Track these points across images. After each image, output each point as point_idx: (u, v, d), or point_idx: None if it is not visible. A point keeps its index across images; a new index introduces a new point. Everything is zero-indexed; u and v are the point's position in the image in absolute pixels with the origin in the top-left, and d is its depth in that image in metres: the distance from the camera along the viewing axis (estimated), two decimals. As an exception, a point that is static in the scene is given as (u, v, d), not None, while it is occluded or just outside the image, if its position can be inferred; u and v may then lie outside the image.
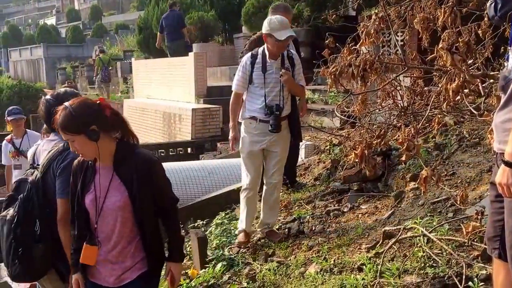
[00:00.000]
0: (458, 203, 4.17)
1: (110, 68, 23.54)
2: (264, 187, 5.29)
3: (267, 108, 4.98)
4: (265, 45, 5.08)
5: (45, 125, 5.47)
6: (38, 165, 3.46)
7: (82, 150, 2.97)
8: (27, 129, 7.46)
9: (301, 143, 6.42)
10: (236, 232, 5.47)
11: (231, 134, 5.18)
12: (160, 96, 16.90)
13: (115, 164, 3.04)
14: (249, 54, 5.14)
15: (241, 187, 5.36)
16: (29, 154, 5.21)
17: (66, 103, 2.94)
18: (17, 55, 43.61)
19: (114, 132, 3.04)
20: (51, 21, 57.04)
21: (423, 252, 3.95)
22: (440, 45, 3.91)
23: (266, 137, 5.05)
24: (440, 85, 4.58)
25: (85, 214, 3.09)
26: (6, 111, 7.46)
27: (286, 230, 5.49)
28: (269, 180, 5.23)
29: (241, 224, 5.32)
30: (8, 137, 7.49)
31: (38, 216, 3.34)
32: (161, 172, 3.15)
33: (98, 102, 2.99)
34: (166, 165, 8.51)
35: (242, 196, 5.26)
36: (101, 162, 3.05)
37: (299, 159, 7.57)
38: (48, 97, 3.58)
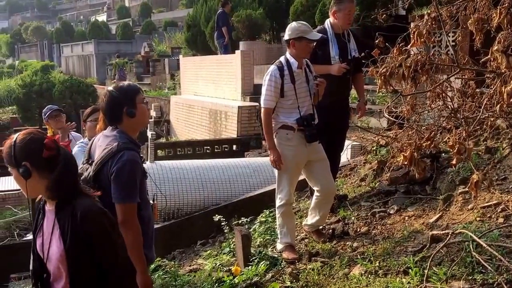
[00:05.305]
0: (510, 208, 4.07)
1: (125, 68, 29.52)
2: (318, 194, 5.10)
3: (303, 120, 4.83)
4: (287, 55, 4.92)
5: (86, 132, 5.47)
6: (93, 161, 3.38)
7: (19, 186, 2.70)
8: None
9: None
10: (279, 249, 5.21)
11: (273, 156, 4.87)
12: (207, 93, 17.04)
13: (57, 209, 2.72)
14: (275, 67, 4.88)
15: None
16: (76, 150, 5.27)
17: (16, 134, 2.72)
18: (69, 50, 44.57)
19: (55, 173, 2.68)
20: (102, 17, 58.08)
21: (472, 258, 3.85)
22: (495, 47, 3.81)
23: (304, 148, 4.91)
24: (493, 88, 4.46)
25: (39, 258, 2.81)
26: (43, 112, 6.45)
27: (330, 230, 5.45)
28: (325, 187, 5.05)
29: (285, 239, 5.12)
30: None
31: None
32: (98, 229, 2.67)
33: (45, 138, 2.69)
34: (212, 161, 8.66)
35: (280, 212, 5.07)
36: (48, 204, 2.78)
37: (345, 160, 7.51)
38: (111, 88, 3.49)
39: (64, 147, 2.91)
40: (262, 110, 4.91)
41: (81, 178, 3.32)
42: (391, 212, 5.49)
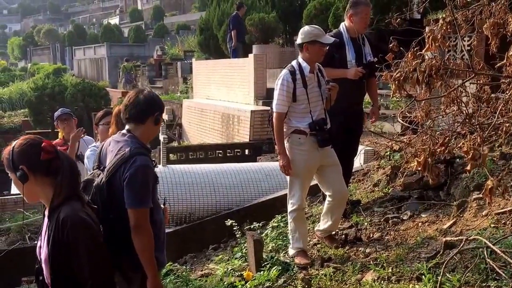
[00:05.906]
0: (525, 215, 4.02)
1: (132, 72, 30.50)
2: (331, 199, 5.06)
3: (315, 124, 4.81)
4: (299, 59, 4.89)
5: (99, 134, 5.43)
6: (105, 167, 3.38)
7: (18, 190, 2.79)
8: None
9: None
10: (291, 254, 5.17)
11: (283, 161, 4.88)
12: (219, 97, 17.04)
13: (49, 214, 2.80)
14: (287, 71, 4.85)
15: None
16: (89, 153, 5.27)
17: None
18: (81, 53, 44.79)
19: (52, 177, 2.77)
20: (114, 20, 58.42)
21: (486, 265, 3.82)
22: (511, 52, 3.77)
23: (316, 152, 4.88)
24: (508, 93, 4.42)
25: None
26: (54, 115, 6.55)
27: (343, 236, 5.42)
28: (338, 192, 5.01)
29: (297, 244, 5.08)
30: (58, 140, 6.45)
31: (101, 220, 3.15)
32: (75, 238, 2.68)
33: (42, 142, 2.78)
34: (224, 166, 8.65)
35: (292, 217, 5.03)
36: (47, 209, 2.86)
37: (358, 165, 7.47)
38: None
39: (64, 152, 2.96)
40: (274, 114, 4.89)
41: (94, 184, 3.34)
42: (405, 218, 5.45)
